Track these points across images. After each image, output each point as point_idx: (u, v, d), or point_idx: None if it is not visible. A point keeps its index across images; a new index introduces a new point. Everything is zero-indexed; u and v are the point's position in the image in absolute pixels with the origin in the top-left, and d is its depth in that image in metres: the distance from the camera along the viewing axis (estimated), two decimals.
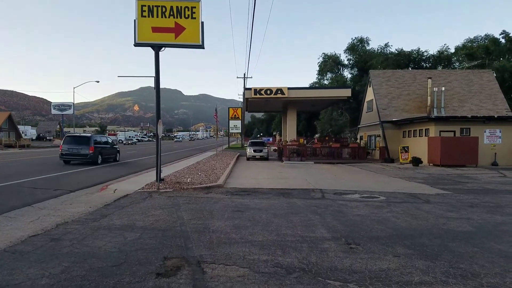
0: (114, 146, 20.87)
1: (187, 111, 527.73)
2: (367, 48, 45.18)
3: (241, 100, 52.84)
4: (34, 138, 75.85)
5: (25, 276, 3.92)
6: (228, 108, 46.78)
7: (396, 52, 42.43)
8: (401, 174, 16.51)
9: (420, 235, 5.83)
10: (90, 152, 18.38)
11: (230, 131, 47.03)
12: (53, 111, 65.03)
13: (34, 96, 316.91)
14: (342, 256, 4.71)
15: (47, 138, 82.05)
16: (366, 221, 6.81)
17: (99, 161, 18.95)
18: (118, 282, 3.76)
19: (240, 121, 46.14)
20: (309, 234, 5.79)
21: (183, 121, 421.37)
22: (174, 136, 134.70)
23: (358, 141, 31.32)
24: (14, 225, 6.26)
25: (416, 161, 20.89)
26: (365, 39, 45.47)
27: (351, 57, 45.70)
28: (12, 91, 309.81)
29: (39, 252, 4.75)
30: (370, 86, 29.68)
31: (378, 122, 26.43)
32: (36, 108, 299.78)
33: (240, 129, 46.87)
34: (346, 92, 25.24)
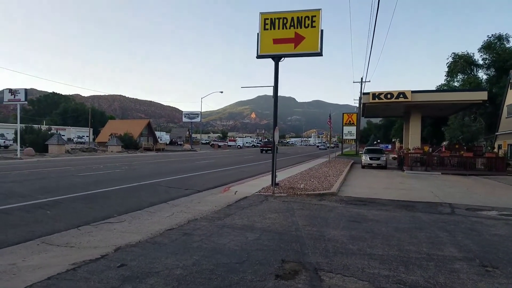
0: None
1: (299, 117, 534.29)
2: (507, 46, 38.26)
3: (356, 105, 50.91)
4: (167, 143, 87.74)
5: (163, 265, 4.49)
6: (342, 113, 45.40)
7: None
8: None
9: None
10: None
11: (344, 137, 45.47)
12: (184, 119, 73.74)
13: (168, 106, 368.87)
14: (476, 279, 4.14)
15: (178, 143, 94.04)
16: (505, 242, 5.84)
17: None
18: (241, 279, 4.04)
19: (355, 127, 44.31)
20: (436, 252, 5.21)
21: (295, 127, 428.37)
22: (287, 142, 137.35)
23: (495, 150, 26.66)
24: (154, 220, 7.32)
25: None
26: (504, 36, 38.66)
27: (487, 56, 39.28)
28: (150, 101, 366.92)
29: (174, 245, 5.42)
30: (511, 88, 24.94)
31: None
32: (169, 116, 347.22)
33: (355, 136, 44.99)
34: (481, 95, 21.83)
